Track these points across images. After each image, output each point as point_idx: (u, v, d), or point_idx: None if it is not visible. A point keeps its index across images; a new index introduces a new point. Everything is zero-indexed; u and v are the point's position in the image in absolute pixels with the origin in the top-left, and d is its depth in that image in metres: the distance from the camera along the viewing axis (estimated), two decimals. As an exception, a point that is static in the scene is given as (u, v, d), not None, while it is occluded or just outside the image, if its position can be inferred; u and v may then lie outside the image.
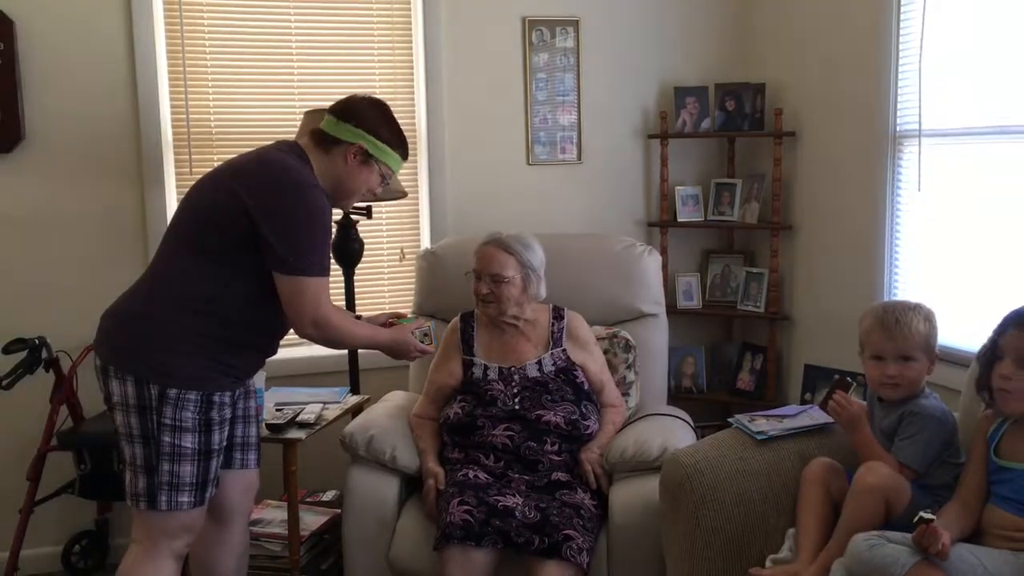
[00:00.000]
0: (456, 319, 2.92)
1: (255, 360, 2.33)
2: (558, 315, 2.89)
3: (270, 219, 2.11)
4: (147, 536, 2.19)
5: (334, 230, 3.17)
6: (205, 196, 2.22)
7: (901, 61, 3.03)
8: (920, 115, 2.95)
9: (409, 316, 2.61)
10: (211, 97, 3.35)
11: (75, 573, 3.26)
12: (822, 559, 2.06)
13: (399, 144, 2.34)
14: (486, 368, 2.78)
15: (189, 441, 2.14)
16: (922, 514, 1.87)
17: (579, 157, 3.73)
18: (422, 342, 2.49)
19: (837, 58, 3.33)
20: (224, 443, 2.25)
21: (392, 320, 2.55)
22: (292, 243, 2.12)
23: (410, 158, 3.52)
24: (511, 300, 2.78)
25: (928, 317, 2.21)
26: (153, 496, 2.14)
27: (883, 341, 2.20)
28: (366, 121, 2.28)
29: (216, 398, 2.18)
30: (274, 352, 2.36)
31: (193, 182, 3.24)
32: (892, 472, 2.09)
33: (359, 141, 2.26)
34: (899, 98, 3.05)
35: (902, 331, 2.18)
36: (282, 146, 2.29)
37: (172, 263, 2.20)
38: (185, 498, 2.15)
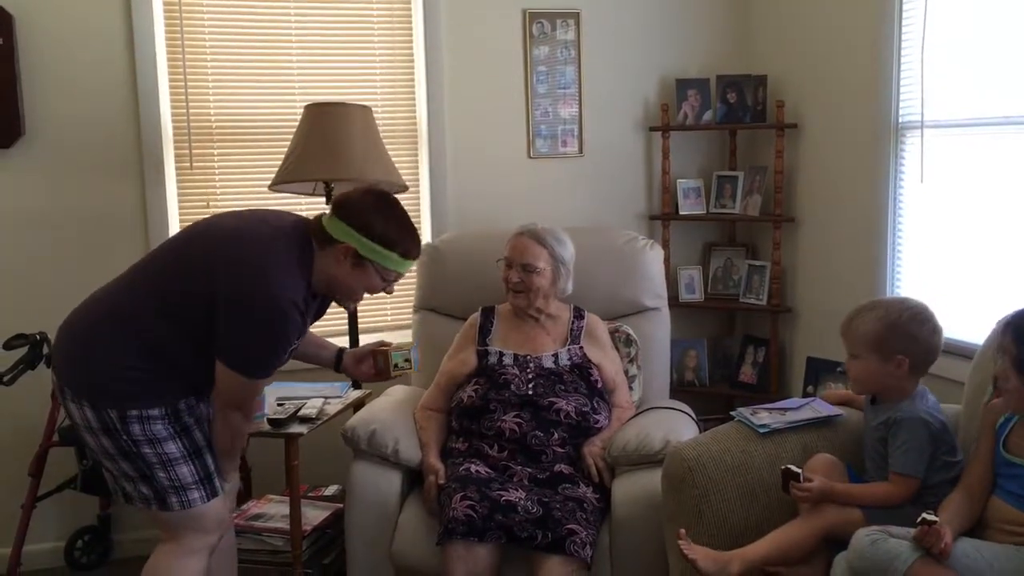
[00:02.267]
0: (476, 313, 2.94)
1: (209, 382, 2.16)
2: (578, 314, 2.92)
3: (230, 318, 2.02)
4: (176, 535, 2.17)
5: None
6: (191, 257, 2.11)
7: (903, 51, 3.02)
8: (922, 106, 2.94)
9: (404, 347, 2.56)
10: (211, 92, 3.34)
11: (78, 568, 3.26)
12: (749, 556, 2.08)
13: (398, 241, 2.12)
14: (501, 355, 2.79)
15: (173, 447, 2.11)
16: (925, 515, 1.86)
17: (580, 150, 3.72)
18: (402, 366, 2.47)
19: (839, 49, 3.31)
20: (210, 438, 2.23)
21: (376, 348, 2.51)
22: (241, 347, 2.05)
23: (411, 152, 3.57)
24: (540, 291, 2.80)
25: (883, 318, 2.17)
26: (163, 499, 2.12)
27: (842, 338, 2.26)
28: (357, 216, 2.09)
29: (182, 405, 2.15)
30: None
31: (190, 179, 3.31)
32: (838, 511, 2.09)
33: (347, 240, 2.09)
34: (901, 89, 3.04)
35: (849, 329, 2.22)
36: (292, 234, 2.12)
37: (133, 299, 2.11)
38: (195, 495, 2.14)
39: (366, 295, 2.27)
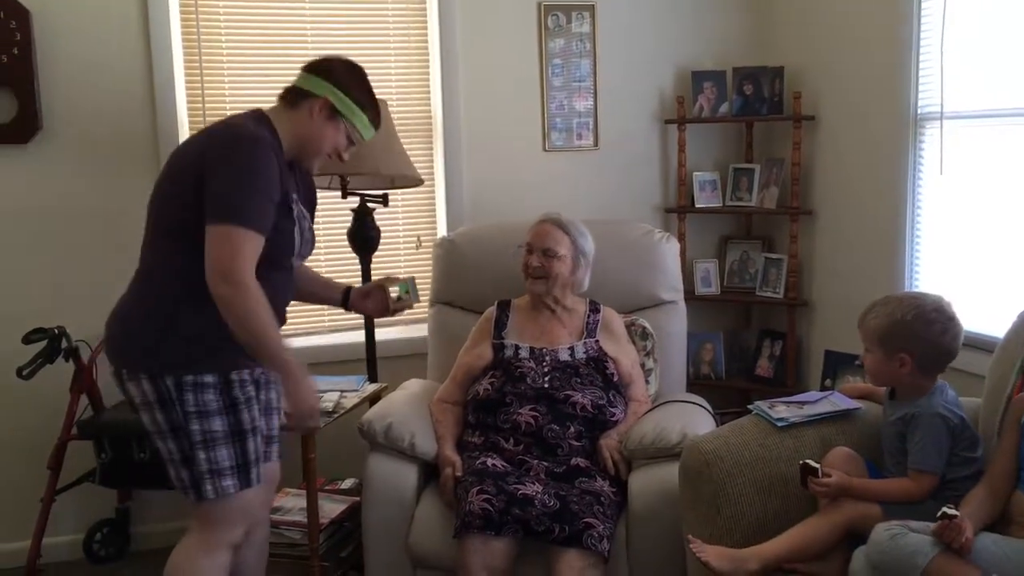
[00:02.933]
0: (492, 307, 2.94)
1: None
2: (594, 308, 2.92)
3: (211, 169, 2.06)
4: (204, 526, 2.20)
5: (351, 218, 3.17)
6: (165, 176, 2.18)
7: (922, 41, 2.99)
8: (942, 97, 2.92)
9: (402, 279, 2.59)
10: (227, 85, 3.34)
11: (96, 561, 3.28)
12: (766, 553, 2.06)
13: (369, 106, 2.28)
14: (517, 348, 2.79)
15: (218, 424, 2.14)
16: (945, 510, 1.84)
17: (595, 143, 3.71)
18: (404, 298, 2.51)
19: (857, 40, 3.29)
20: (257, 423, 2.22)
21: (381, 282, 2.56)
22: (223, 190, 2.04)
23: (427, 145, 3.56)
24: (559, 278, 2.80)
25: (890, 314, 2.15)
26: (198, 486, 2.14)
27: (859, 331, 2.25)
28: (336, 76, 2.24)
29: (234, 376, 2.16)
30: (281, 321, 2.28)
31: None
32: (857, 506, 2.07)
33: (325, 94, 2.21)
34: (920, 80, 3.02)
35: (863, 323, 2.22)
36: (241, 113, 2.25)
37: (154, 255, 2.17)
38: (228, 482, 2.15)
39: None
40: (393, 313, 2.60)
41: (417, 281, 3.54)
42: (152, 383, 2.11)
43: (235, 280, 2.02)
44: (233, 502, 2.17)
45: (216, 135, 2.14)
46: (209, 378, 2.13)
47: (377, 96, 3.06)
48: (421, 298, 3.45)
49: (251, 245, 2.05)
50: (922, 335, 2.13)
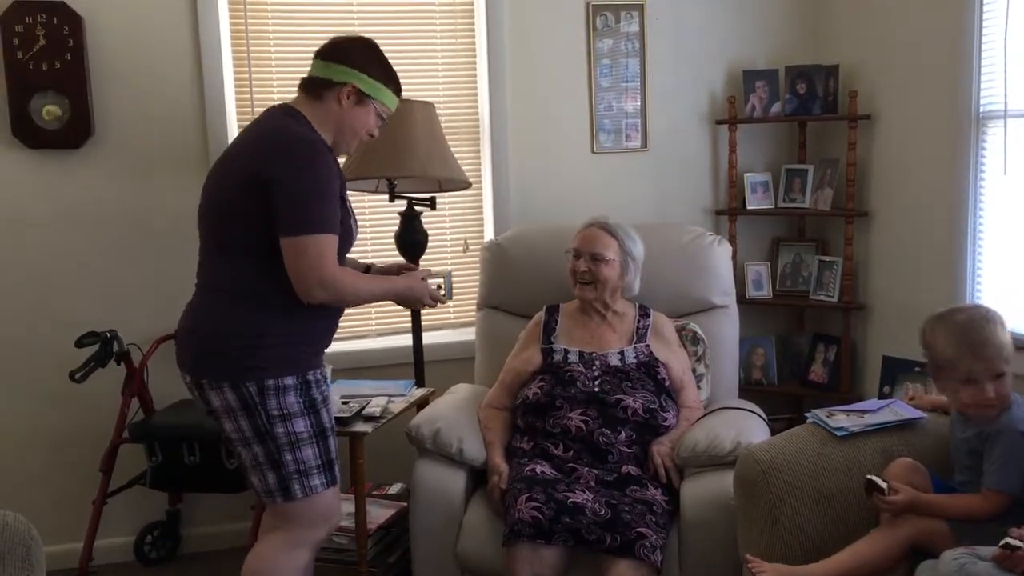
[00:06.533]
0: (541, 312, 2.91)
1: (328, 326, 2.30)
2: (644, 313, 2.87)
3: (275, 183, 2.06)
4: (288, 526, 2.22)
5: (398, 221, 3.16)
6: (220, 190, 2.19)
7: (984, 37, 2.90)
8: (1005, 94, 2.82)
9: (440, 273, 2.54)
10: (276, 91, 3.35)
11: (147, 563, 3.31)
12: (827, 570, 1.99)
13: (390, 80, 2.29)
14: (567, 352, 2.75)
15: (302, 425, 2.16)
16: (1008, 540, 1.76)
17: (644, 144, 3.65)
18: (442, 290, 2.46)
19: (915, 36, 3.20)
20: (333, 422, 2.27)
21: (404, 267, 2.53)
22: (293, 200, 2.06)
23: (474, 148, 3.54)
24: (608, 283, 2.77)
25: (1002, 322, 2.06)
26: (286, 487, 2.17)
27: (974, 364, 2.00)
28: (355, 60, 2.23)
29: (311, 376, 2.20)
30: (341, 311, 2.34)
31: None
32: (922, 522, 1.99)
33: (351, 80, 2.21)
34: (982, 77, 2.92)
35: (992, 350, 2.01)
36: (274, 111, 2.26)
37: (216, 266, 2.19)
38: (316, 481, 2.19)
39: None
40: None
41: (464, 283, 3.56)
42: (235, 391, 2.13)
43: (328, 283, 2.10)
44: (319, 500, 2.21)
45: (268, 146, 2.12)
46: (289, 380, 2.15)
47: (426, 102, 3.11)
48: (470, 302, 3.46)
49: (330, 247, 2.12)
50: None
